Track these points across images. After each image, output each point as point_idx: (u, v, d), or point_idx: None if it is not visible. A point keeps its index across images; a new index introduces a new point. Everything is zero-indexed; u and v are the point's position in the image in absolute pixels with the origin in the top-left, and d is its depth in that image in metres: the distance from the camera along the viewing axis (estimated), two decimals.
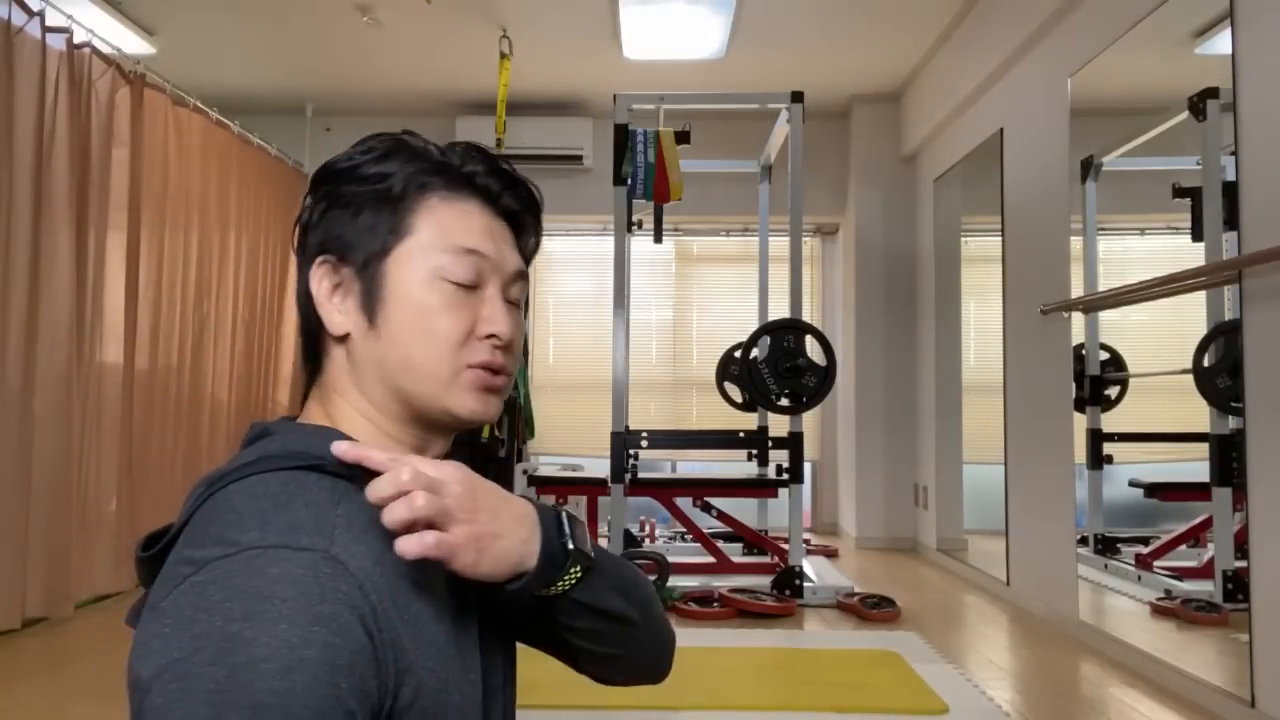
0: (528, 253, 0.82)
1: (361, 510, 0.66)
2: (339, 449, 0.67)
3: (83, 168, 3.55)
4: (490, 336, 0.75)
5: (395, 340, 0.73)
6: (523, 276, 0.80)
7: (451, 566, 0.65)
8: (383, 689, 0.61)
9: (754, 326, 4.29)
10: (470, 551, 0.65)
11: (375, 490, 0.63)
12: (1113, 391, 4.14)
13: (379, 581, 0.63)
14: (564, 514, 0.73)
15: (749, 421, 5.02)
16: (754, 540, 4.62)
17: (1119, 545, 4.13)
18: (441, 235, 0.75)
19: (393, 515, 0.62)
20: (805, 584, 3.92)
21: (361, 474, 0.68)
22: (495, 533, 0.67)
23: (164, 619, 0.59)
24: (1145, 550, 3.96)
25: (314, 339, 0.78)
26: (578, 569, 0.72)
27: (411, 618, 0.64)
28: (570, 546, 0.71)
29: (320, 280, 0.76)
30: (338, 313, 0.75)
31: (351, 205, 0.75)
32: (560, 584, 0.71)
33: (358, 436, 0.73)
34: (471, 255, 0.75)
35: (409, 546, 0.62)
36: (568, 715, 2.40)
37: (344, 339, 0.76)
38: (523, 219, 0.81)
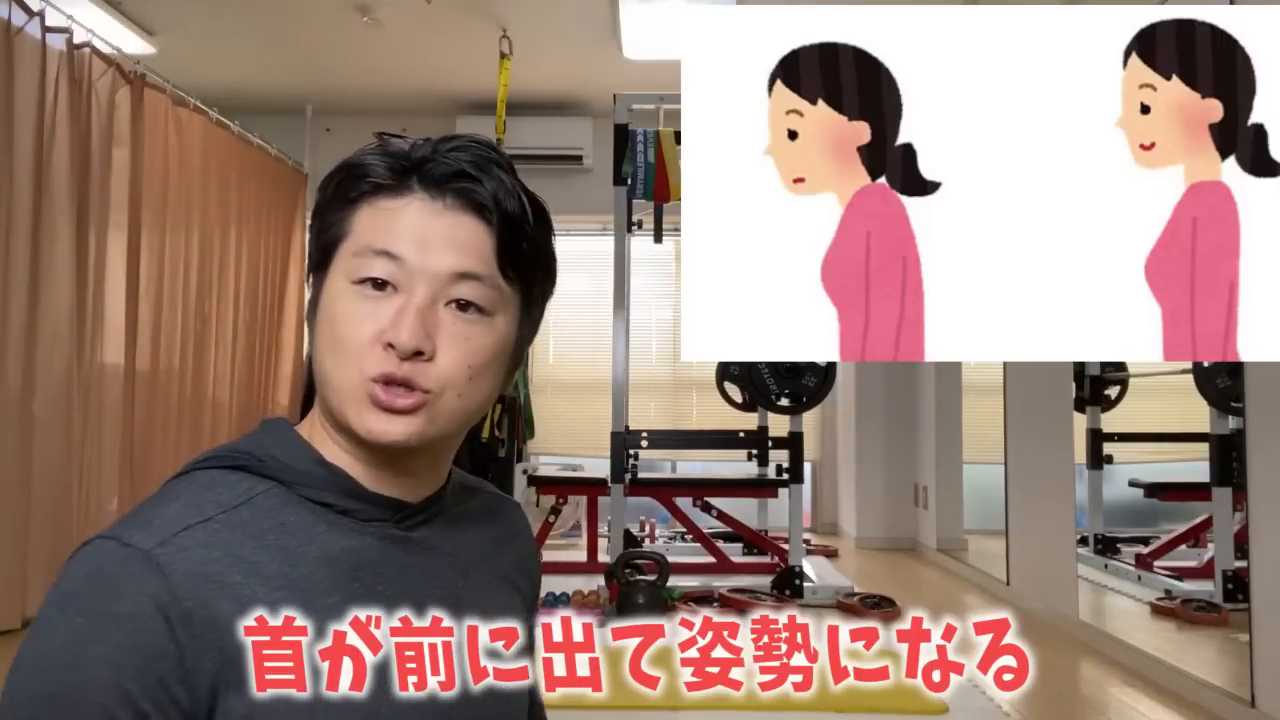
0: (509, 252, 0.71)
1: (269, 516, 0.66)
2: None
3: (83, 168, 3.55)
4: (388, 346, 0.66)
5: (317, 353, 0.71)
6: (470, 277, 0.69)
7: None
8: (194, 696, 0.60)
9: None
10: None
11: None
12: (1113, 391, 4.14)
13: (215, 590, 0.61)
14: None
15: (749, 421, 5.02)
16: (754, 540, 4.62)
17: (1119, 545, 4.13)
18: (360, 236, 0.69)
19: None
20: (805, 584, 3.92)
21: (302, 479, 0.69)
22: None
23: None
24: (1145, 550, 3.96)
25: None
26: None
27: None
28: None
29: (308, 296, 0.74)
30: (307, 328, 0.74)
31: (317, 213, 0.73)
32: None
33: (328, 456, 0.71)
34: (380, 257, 0.67)
35: None
36: (564, 715, 2.40)
37: None
38: (488, 217, 0.70)
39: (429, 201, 0.69)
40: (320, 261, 0.72)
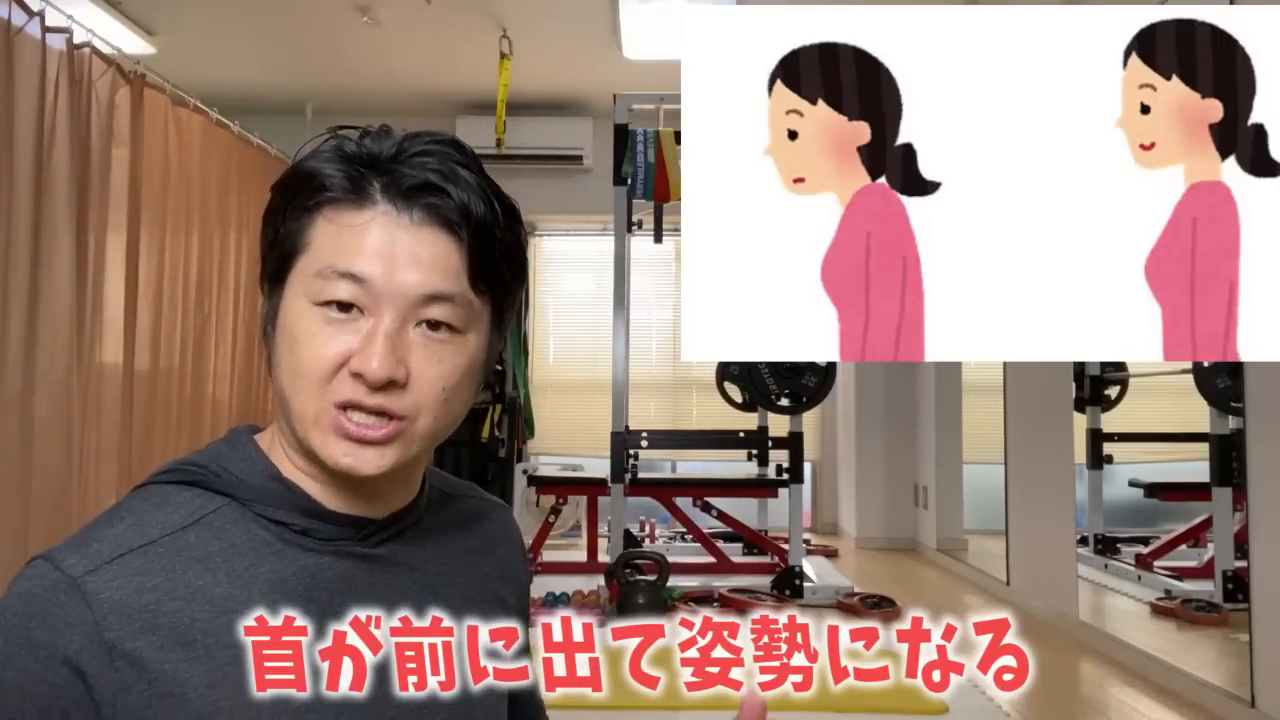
0: (480, 265, 0.67)
1: (219, 536, 0.65)
2: None
3: (83, 168, 3.55)
4: (356, 375, 0.63)
5: (276, 374, 0.67)
6: (440, 299, 0.65)
7: None
8: None
9: None
10: None
11: None
12: (1113, 391, 4.14)
13: (146, 621, 0.60)
14: None
15: (749, 421, 5.02)
16: (754, 540, 4.62)
17: (1119, 545, 4.13)
18: (321, 254, 0.65)
19: None
20: (805, 584, 3.92)
21: (257, 496, 0.67)
22: None
23: None
24: (1145, 550, 3.96)
25: None
26: None
27: (214, 663, 0.61)
28: None
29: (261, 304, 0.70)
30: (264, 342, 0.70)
31: (269, 218, 0.69)
32: None
33: (286, 472, 0.69)
34: (344, 279, 0.63)
35: None
36: (564, 715, 2.40)
37: None
38: (457, 231, 0.66)
39: (394, 215, 0.65)
40: (276, 272, 0.68)
